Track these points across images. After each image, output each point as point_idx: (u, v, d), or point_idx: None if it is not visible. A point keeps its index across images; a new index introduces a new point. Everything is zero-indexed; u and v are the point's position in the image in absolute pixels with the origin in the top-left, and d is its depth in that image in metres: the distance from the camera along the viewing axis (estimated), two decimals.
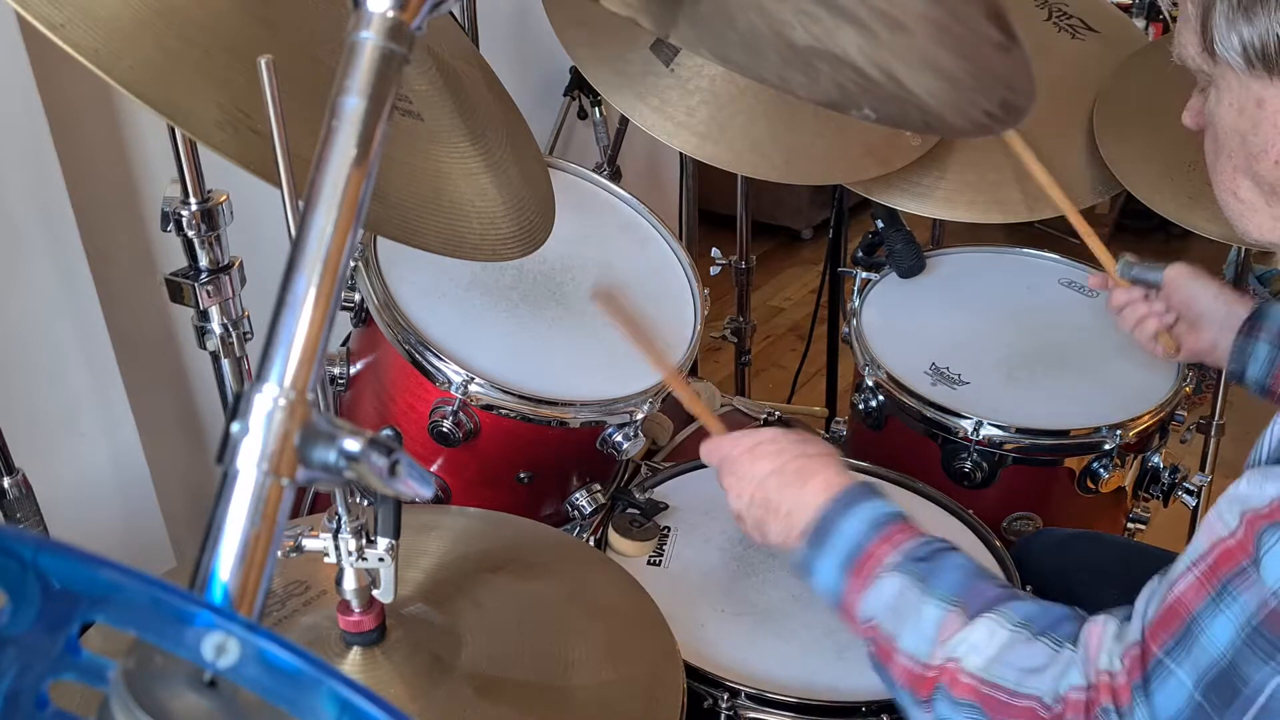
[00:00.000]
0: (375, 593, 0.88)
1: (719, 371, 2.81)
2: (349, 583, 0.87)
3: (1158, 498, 1.58)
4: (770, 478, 1.00)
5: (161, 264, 1.63)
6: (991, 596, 0.88)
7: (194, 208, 1.08)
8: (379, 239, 1.35)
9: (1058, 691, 0.82)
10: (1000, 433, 1.42)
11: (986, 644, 0.86)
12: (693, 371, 1.78)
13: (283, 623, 0.95)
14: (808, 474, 0.99)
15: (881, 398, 1.52)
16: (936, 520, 1.37)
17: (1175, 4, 0.97)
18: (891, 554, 0.92)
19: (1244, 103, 0.87)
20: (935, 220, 2.03)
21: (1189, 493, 1.56)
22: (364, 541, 0.85)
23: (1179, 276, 1.33)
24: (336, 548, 0.85)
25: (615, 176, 2.33)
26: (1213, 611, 0.75)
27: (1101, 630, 0.83)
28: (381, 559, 0.85)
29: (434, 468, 1.35)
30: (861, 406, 1.55)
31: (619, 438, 1.33)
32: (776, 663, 1.13)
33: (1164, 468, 1.55)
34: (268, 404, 0.47)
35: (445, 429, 1.26)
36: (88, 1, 0.79)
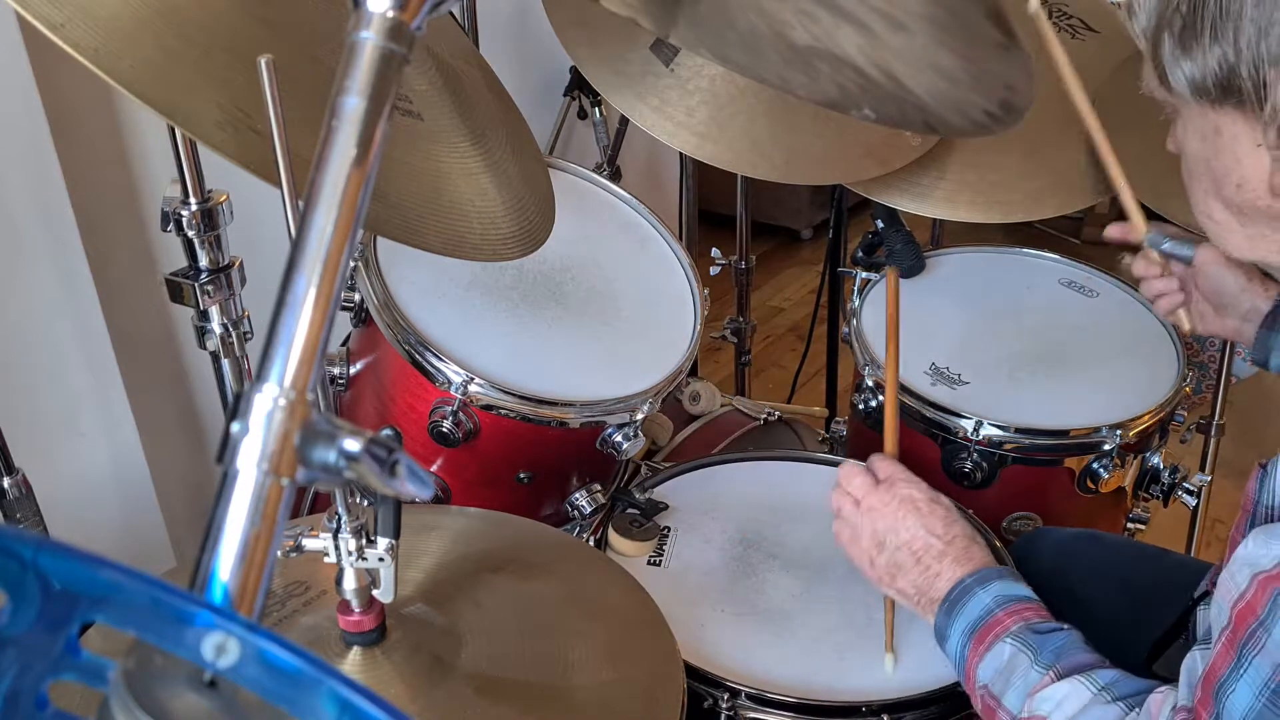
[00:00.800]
0: (375, 593, 0.88)
1: (719, 371, 2.81)
2: (349, 583, 0.87)
3: (1158, 498, 1.58)
4: (935, 539, 1.10)
5: (161, 264, 1.63)
6: (1083, 662, 0.95)
7: (194, 208, 1.08)
8: (379, 239, 1.35)
9: None
10: (1000, 433, 1.42)
11: (1070, 702, 0.91)
12: (693, 371, 1.78)
13: (283, 623, 0.95)
14: (969, 554, 1.09)
15: (881, 397, 1.51)
16: None
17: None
18: (1013, 625, 0.99)
19: (1204, 131, 0.89)
20: (935, 220, 2.03)
21: (1189, 493, 1.56)
22: (364, 541, 0.85)
23: (1209, 262, 1.30)
24: (336, 548, 0.85)
25: (615, 176, 2.33)
26: (1235, 676, 0.78)
27: (1163, 699, 0.87)
28: (381, 559, 0.85)
29: (434, 468, 1.35)
30: (861, 406, 1.55)
31: (619, 438, 1.33)
32: (776, 663, 1.13)
33: (1164, 468, 1.55)
34: (268, 404, 0.47)
35: (445, 429, 1.26)
36: (88, 1, 0.79)
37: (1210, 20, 0.82)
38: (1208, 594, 0.96)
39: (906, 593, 1.10)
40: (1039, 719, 0.93)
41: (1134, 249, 1.37)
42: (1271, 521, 0.83)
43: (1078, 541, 1.35)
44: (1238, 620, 0.79)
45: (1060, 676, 0.93)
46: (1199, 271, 1.32)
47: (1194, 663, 0.85)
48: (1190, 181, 0.95)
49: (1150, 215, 1.41)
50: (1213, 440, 1.83)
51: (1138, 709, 0.89)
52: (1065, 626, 1.00)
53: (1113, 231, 1.38)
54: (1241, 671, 0.78)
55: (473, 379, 1.26)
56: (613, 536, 1.27)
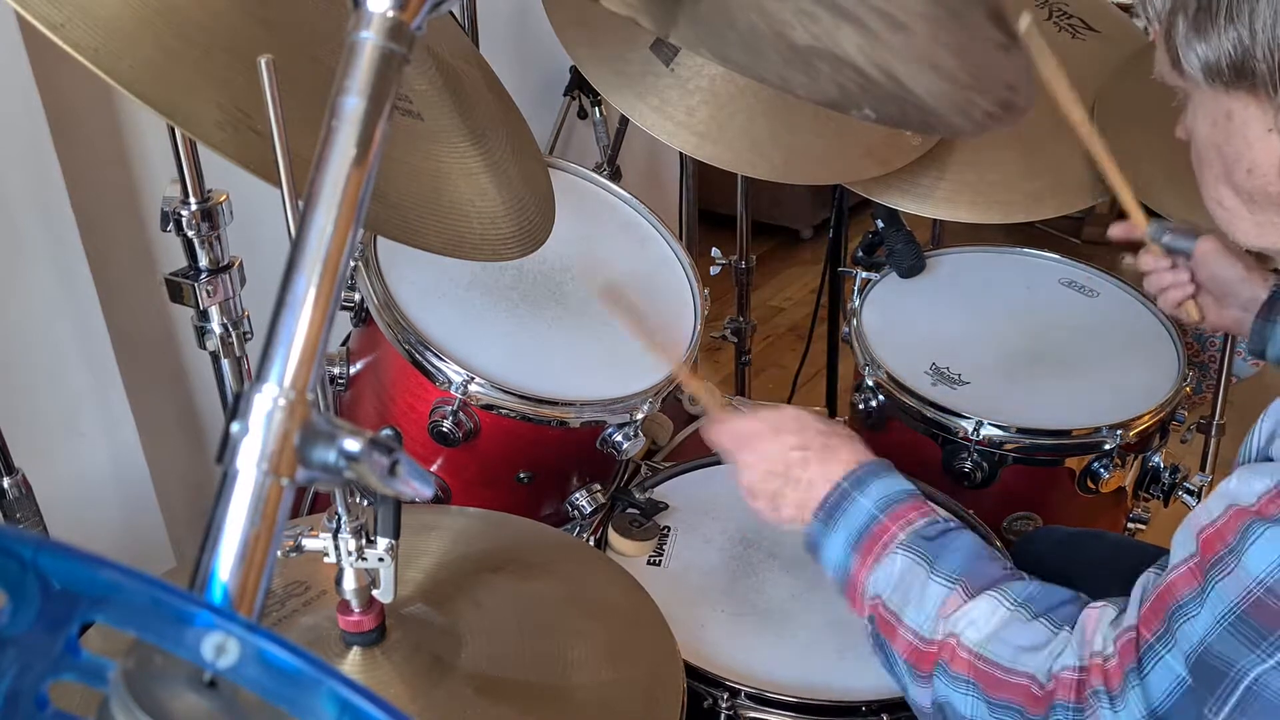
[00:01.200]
0: (375, 593, 0.88)
1: (719, 371, 2.81)
2: (349, 583, 0.87)
3: (1158, 498, 1.58)
4: (793, 451, 1.02)
5: (161, 264, 1.63)
6: (994, 576, 0.92)
7: (194, 208, 1.08)
8: (379, 239, 1.35)
9: (1050, 670, 0.85)
10: (1000, 433, 1.42)
11: (986, 621, 0.89)
12: (693, 371, 1.78)
13: (283, 623, 0.95)
14: (831, 450, 1.02)
15: (881, 398, 1.52)
16: None
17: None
18: (901, 533, 0.95)
19: (1215, 116, 0.89)
20: (935, 220, 2.03)
21: (1189, 493, 1.56)
22: (364, 541, 0.85)
23: (1209, 252, 1.31)
24: (336, 548, 0.85)
25: (615, 176, 2.33)
26: (1199, 600, 0.77)
27: (1098, 615, 0.86)
28: (381, 559, 0.85)
29: (434, 468, 1.34)
30: (861, 406, 1.55)
31: (619, 438, 1.33)
32: (776, 662, 1.13)
33: (1164, 468, 1.55)
34: (268, 404, 0.47)
35: (445, 429, 1.26)
36: (88, 1, 0.79)
37: (1226, 3, 0.82)
38: None
39: (795, 518, 1.01)
40: (952, 639, 0.89)
41: (1137, 247, 1.37)
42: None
43: (1079, 540, 1.35)
44: (1204, 546, 0.79)
45: (971, 594, 0.90)
46: (1199, 262, 1.32)
47: (1145, 584, 0.84)
48: (1200, 168, 0.95)
49: (1147, 213, 1.41)
50: (1213, 440, 1.83)
51: (1067, 626, 0.87)
52: (954, 525, 0.96)
53: (1115, 231, 1.38)
54: (1205, 596, 0.77)
55: (473, 379, 1.26)
56: (613, 536, 1.27)
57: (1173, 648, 0.78)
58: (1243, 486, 0.78)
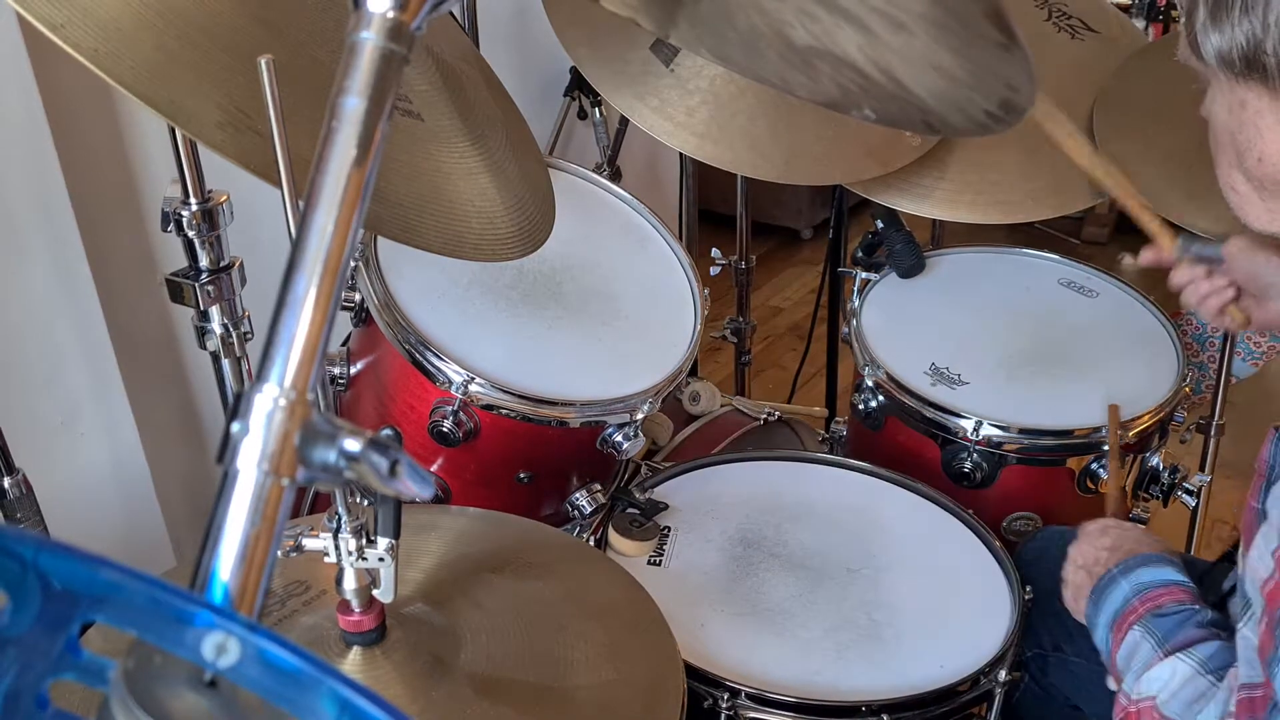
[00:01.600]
0: (375, 593, 0.88)
1: (719, 371, 2.81)
2: (349, 583, 0.87)
3: (1157, 498, 1.58)
4: (1103, 551, 1.13)
5: (161, 264, 1.63)
6: (1189, 638, 0.97)
7: (194, 208, 1.08)
8: (379, 239, 1.35)
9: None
10: (1000, 433, 1.42)
11: (1172, 678, 0.96)
12: (693, 371, 1.78)
13: (283, 623, 0.95)
14: (1129, 549, 1.11)
15: (881, 398, 1.52)
16: (936, 520, 1.37)
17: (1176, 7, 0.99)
18: (1144, 612, 1.02)
19: (1231, 103, 0.90)
20: (935, 220, 2.03)
21: (1189, 493, 1.56)
22: (364, 541, 0.85)
23: (1239, 251, 1.29)
24: (336, 548, 0.85)
25: (615, 176, 2.33)
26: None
27: (1237, 674, 0.89)
28: (381, 559, 0.85)
29: (434, 468, 1.35)
30: (861, 406, 1.55)
31: (619, 438, 1.33)
32: (776, 663, 1.13)
33: (1164, 468, 1.55)
34: (268, 404, 0.47)
35: (445, 429, 1.26)
36: (88, 1, 0.79)
37: None
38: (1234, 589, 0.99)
39: (1083, 610, 1.12)
40: (1147, 702, 0.96)
41: (1165, 271, 1.36)
42: None
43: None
44: (1269, 601, 0.82)
45: (1167, 655, 0.97)
46: (1231, 264, 1.31)
47: (1246, 640, 0.87)
48: (1216, 152, 0.96)
49: (1170, 228, 1.40)
50: (1212, 440, 1.83)
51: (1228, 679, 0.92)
52: (1192, 606, 1.02)
53: (1146, 256, 1.37)
54: None
55: (473, 379, 1.26)
56: (613, 536, 1.27)
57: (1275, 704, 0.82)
58: None
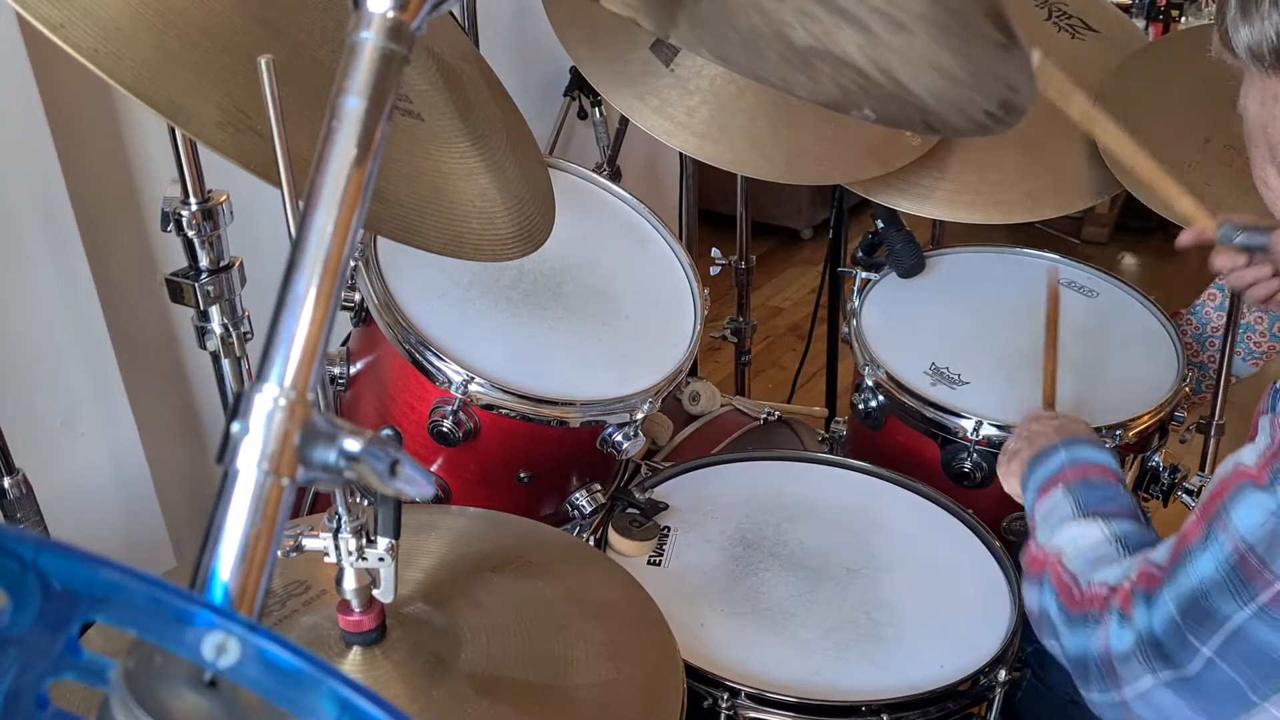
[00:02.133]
0: (375, 592, 0.88)
1: (719, 372, 2.81)
2: (349, 582, 0.87)
3: (1157, 498, 1.58)
4: (1049, 426, 1.21)
5: (161, 264, 1.63)
6: (1111, 510, 1.04)
7: (194, 208, 1.08)
8: (379, 239, 1.35)
9: (1091, 579, 0.97)
10: (1000, 433, 1.42)
11: (1081, 538, 1.02)
12: (693, 371, 1.78)
13: (283, 623, 0.95)
14: (1073, 433, 1.18)
15: (881, 398, 1.52)
16: (936, 520, 1.37)
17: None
18: (1072, 478, 1.09)
19: (1264, 96, 0.91)
20: (935, 220, 2.03)
21: (1188, 493, 1.56)
22: (364, 541, 0.85)
23: None
24: (336, 547, 0.85)
25: (615, 176, 2.33)
26: (1202, 547, 0.87)
27: (1150, 551, 0.95)
28: (381, 559, 0.85)
29: (434, 468, 1.35)
30: (861, 406, 1.55)
31: (619, 438, 1.33)
32: (776, 662, 1.13)
33: (1163, 468, 1.55)
34: (268, 404, 0.47)
35: (445, 429, 1.26)
36: (88, 1, 0.79)
37: None
38: None
39: (1015, 471, 1.20)
40: (1054, 551, 1.02)
41: (1207, 247, 1.34)
42: None
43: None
44: (1210, 498, 0.88)
45: (1085, 517, 1.03)
46: (1276, 254, 1.30)
47: (1177, 534, 0.92)
48: (1249, 147, 0.97)
49: (1147, 214, 1.40)
50: (1212, 440, 1.83)
51: (1132, 554, 0.98)
52: (1118, 487, 1.08)
53: (1185, 238, 1.34)
54: (1206, 545, 0.86)
55: (473, 378, 1.26)
56: (613, 536, 1.27)
57: (1171, 586, 0.88)
58: (1251, 447, 0.86)
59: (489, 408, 1.27)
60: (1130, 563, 0.96)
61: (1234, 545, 0.84)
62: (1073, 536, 1.02)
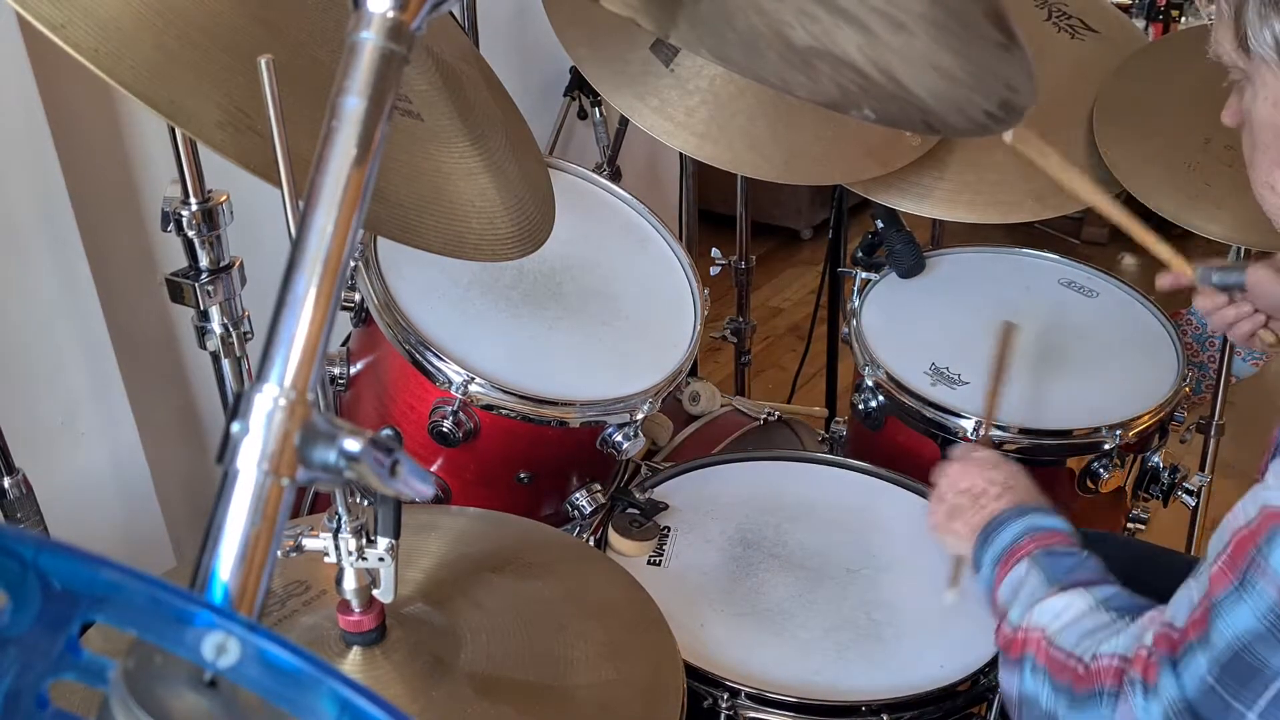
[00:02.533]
0: (375, 593, 0.88)
1: (719, 372, 2.81)
2: (349, 583, 0.87)
3: (1157, 498, 1.58)
4: (993, 485, 1.16)
5: (161, 264, 1.63)
6: (1088, 578, 0.99)
7: (194, 208, 1.08)
8: (379, 239, 1.35)
9: (1097, 652, 0.90)
10: (1000, 433, 1.42)
11: (1065, 610, 0.96)
12: (693, 371, 1.78)
13: (283, 623, 0.95)
14: (1019, 495, 1.15)
15: (881, 398, 1.52)
16: None
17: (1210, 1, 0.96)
18: (1034, 550, 1.04)
19: (1278, 97, 0.88)
20: (935, 220, 2.03)
21: (1188, 493, 1.56)
22: (364, 541, 0.85)
23: (1263, 280, 1.30)
24: (336, 548, 0.85)
25: (615, 176, 2.33)
26: (1235, 598, 0.80)
27: (1158, 614, 0.89)
28: (381, 559, 0.85)
29: (434, 468, 1.35)
30: (861, 406, 1.55)
31: (619, 438, 1.33)
32: (776, 663, 1.13)
33: (1163, 468, 1.55)
34: (268, 404, 0.47)
35: (445, 429, 1.26)
36: (88, 1, 0.79)
37: None
38: None
39: (960, 533, 1.14)
40: (1036, 631, 0.96)
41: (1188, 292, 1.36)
42: None
43: (1084, 542, 1.35)
44: (1236, 546, 0.81)
45: (1063, 590, 0.97)
46: (1254, 292, 1.31)
47: (1189, 589, 0.87)
48: (1253, 153, 0.93)
49: (1146, 214, 1.41)
50: (1212, 440, 1.83)
51: (1129, 617, 0.93)
52: (1085, 553, 1.03)
53: (1164, 282, 1.37)
54: (1243, 595, 0.79)
55: (473, 379, 1.26)
56: (613, 536, 1.27)
57: (1206, 646, 0.81)
58: (1276, 488, 0.80)
59: (489, 408, 1.27)
60: (1137, 627, 0.90)
61: (1278, 590, 0.78)
62: (1055, 611, 0.96)
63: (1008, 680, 0.98)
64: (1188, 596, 0.86)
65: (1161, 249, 1.33)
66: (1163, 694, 0.82)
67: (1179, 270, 1.34)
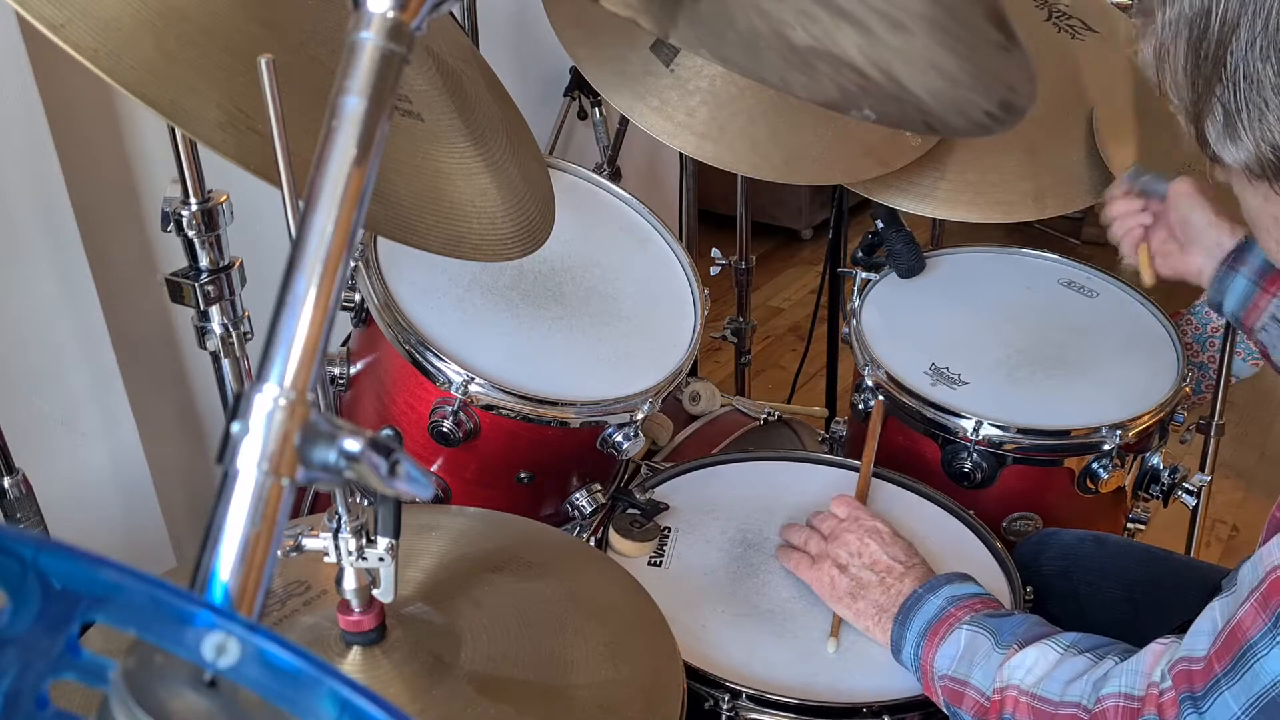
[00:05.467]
0: (375, 592, 0.88)
1: (719, 371, 2.81)
2: (349, 582, 0.87)
3: (1157, 498, 1.58)
4: (900, 566, 1.14)
5: (161, 264, 1.63)
6: (1041, 633, 0.97)
7: (194, 208, 1.08)
8: (379, 239, 1.35)
9: (1096, 695, 0.87)
10: (1000, 433, 1.42)
11: (1039, 665, 0.94)
12: (693, 372, 1.78)
13: (283, 623, 0.95)
14: (928, 574, 1.13)
15: (881, 398, 1.52)
16: (936, 520, 1.37)
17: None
18: (966, 616, 1.03)
19: (1266, 193, 0.83)
20: (935, 220, 2.03)
21: (1189, 493, 1.56)
22: (364, 541, 0.85)
23: (1180, 195, 1.30)
24: (336, 547, 0.85)
25: (615, 176, 2.33)
26: (1270, 641, 0.77)
27: (1162, 650, 0.87)
28: (381, 559, 0.85)
29: (434, 468, 1.35)
30: (861, 406, 1.55)
31: (619, 438, 1.33)
32: (777, 664, 1.13)
33: (1164, 468, 1.55)
34: (268, 404, 0.47)
35: (445, 429, 1.26)
36: (88, 1, 0.79)
37: (1246, 109, 0.77)
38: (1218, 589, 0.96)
39: (865, 611, 1.13)
40: (1012, 689, 0.94)
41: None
42: None
43: (1083, 544, 1.35)
44: (1272, 587, 0.78)
45: (1024, 645, 0.96)
46: (1171, 204, 1.32)
47: (1214, 615, 0.83)
48: (1257, 231, 0.90)
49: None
50: (1212, 440, 1.83)
51: (1112, 657, 0.91)
52: (1019, 614, 1.03)
53: (1110, 190, 1.39)
54: (1278, 636, 0.77)
55: (473, 379, 1.26)
56: (613, 536, 1.27)
57: (1236, 685, 0.78)
58: None
59: (489, 408, 1.27)
60: (1138, 663, 0.87)
61: None
62: (1026, 666, 0.94)
63: None
64: (1210, 627, 0.83)
65: (1107, 144, 1.35)
66: None
67: (1117, 164, 1.36)
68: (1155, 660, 0.86)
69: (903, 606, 1.09)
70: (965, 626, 1.02)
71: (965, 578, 1.11)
